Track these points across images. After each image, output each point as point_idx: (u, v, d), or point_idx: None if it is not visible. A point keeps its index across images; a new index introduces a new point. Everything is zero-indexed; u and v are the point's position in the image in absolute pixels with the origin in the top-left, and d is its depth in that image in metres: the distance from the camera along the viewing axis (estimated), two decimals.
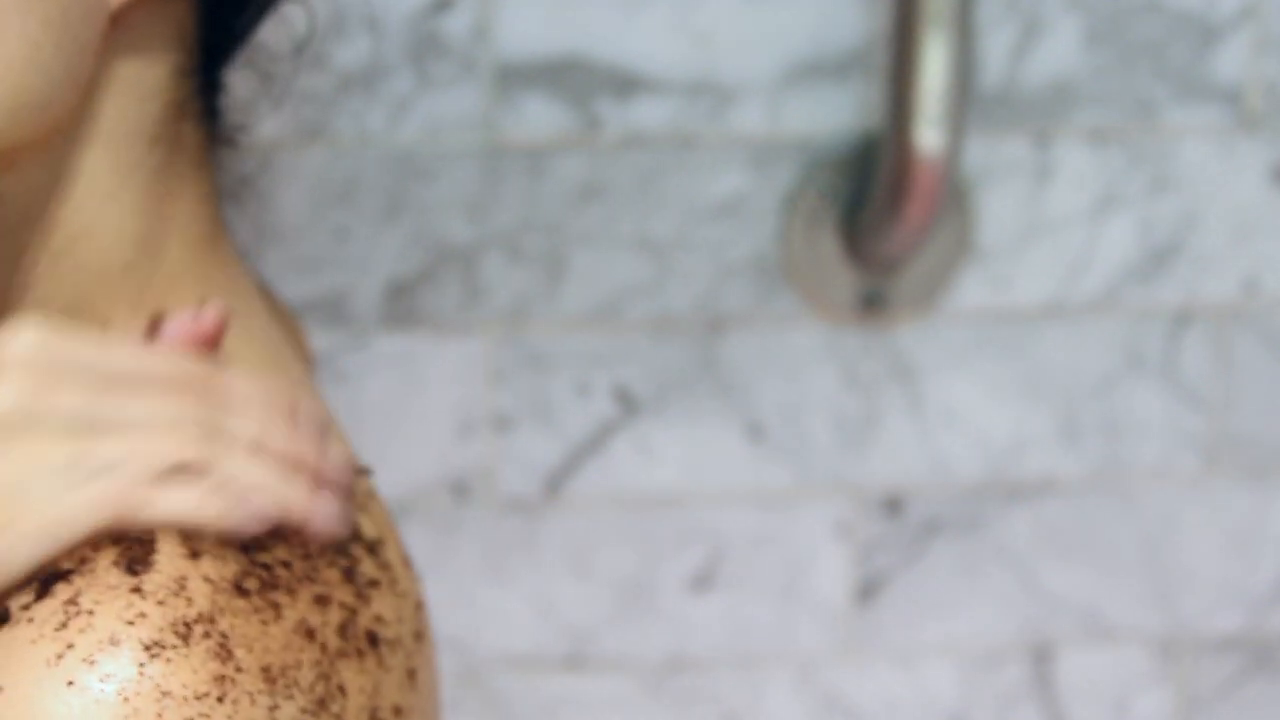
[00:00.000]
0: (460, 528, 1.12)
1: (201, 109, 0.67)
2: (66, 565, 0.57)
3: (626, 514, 1.14)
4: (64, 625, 0.55)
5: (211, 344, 0.62)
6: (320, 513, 0.61)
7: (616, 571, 1.14)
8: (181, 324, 0.62)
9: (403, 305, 1.08)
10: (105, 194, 0.64)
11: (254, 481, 0.60)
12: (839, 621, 1.17)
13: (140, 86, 0.64)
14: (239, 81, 0.73)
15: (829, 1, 1.07)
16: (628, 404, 1.12)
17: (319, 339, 1.07)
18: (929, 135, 1.02)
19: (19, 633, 0.55)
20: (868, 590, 1.17)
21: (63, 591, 0.56)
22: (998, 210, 1.12)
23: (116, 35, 0.63)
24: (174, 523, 0.58)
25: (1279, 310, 1.15)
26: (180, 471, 0.59)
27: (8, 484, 0.57)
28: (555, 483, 1.13)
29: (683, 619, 1.16)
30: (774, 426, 1.13)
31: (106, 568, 0.56)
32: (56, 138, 0.62)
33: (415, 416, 1.10)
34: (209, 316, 0.62)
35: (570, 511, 1.13)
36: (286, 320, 0.82)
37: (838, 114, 1.09)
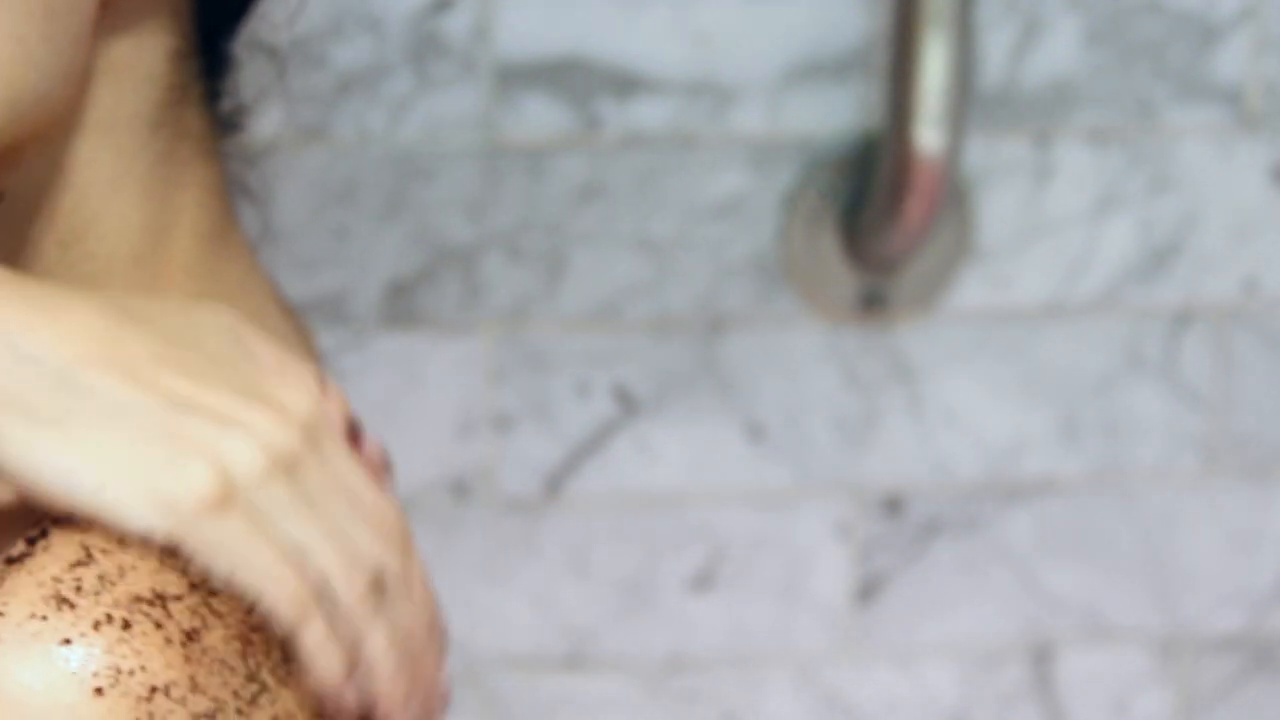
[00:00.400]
0: (460, 528, 1.12)
1: (203, 93, 0.67)
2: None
3: (626, 514, 1.14)
4: (59, 588, 0.54)
5: (379, 472, 0.64)
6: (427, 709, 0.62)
7: (616, 571, 1.14)
8: (373, 453, 0.64)
9: (402, 305, 1.09)
10: (108, 182, 0.64)
11: (382, 673, 0.60)
12: (839, 621, 1.17)
13: (136, 72, 0.63)
14: (241, 69, 0.72)
15: (829, 1, 1.07)
16: (628, 404, 1.12)
17: (319, 339, 1.07)
18: (929, 135, 1.02)
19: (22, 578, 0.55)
20: (868, 590, 1.17)
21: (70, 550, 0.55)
22: (998, 210, 1.12)
23: (109, 21, 0.62)
24: (296, 637, 0.58)
25: (1279, 310, 1.15)
26: (337, 606, 0.59)
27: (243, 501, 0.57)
28: (555, 482, 1.13)
29: (683, 619, 1.16)
30: (774, 426, 1.13)
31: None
32: (57, 130, 0.62)
33: (415, 416, 1.10)
34: (386, 463, 0.65)
35: (570, 511, 1.13)
36: (294, 318, 0.82)
37: (838, 114, 1.09)
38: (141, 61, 0.64)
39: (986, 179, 1.11)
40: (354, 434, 0.64)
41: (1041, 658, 1.19)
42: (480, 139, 1.06)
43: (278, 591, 0.57)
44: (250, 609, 0.57)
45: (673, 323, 1.11)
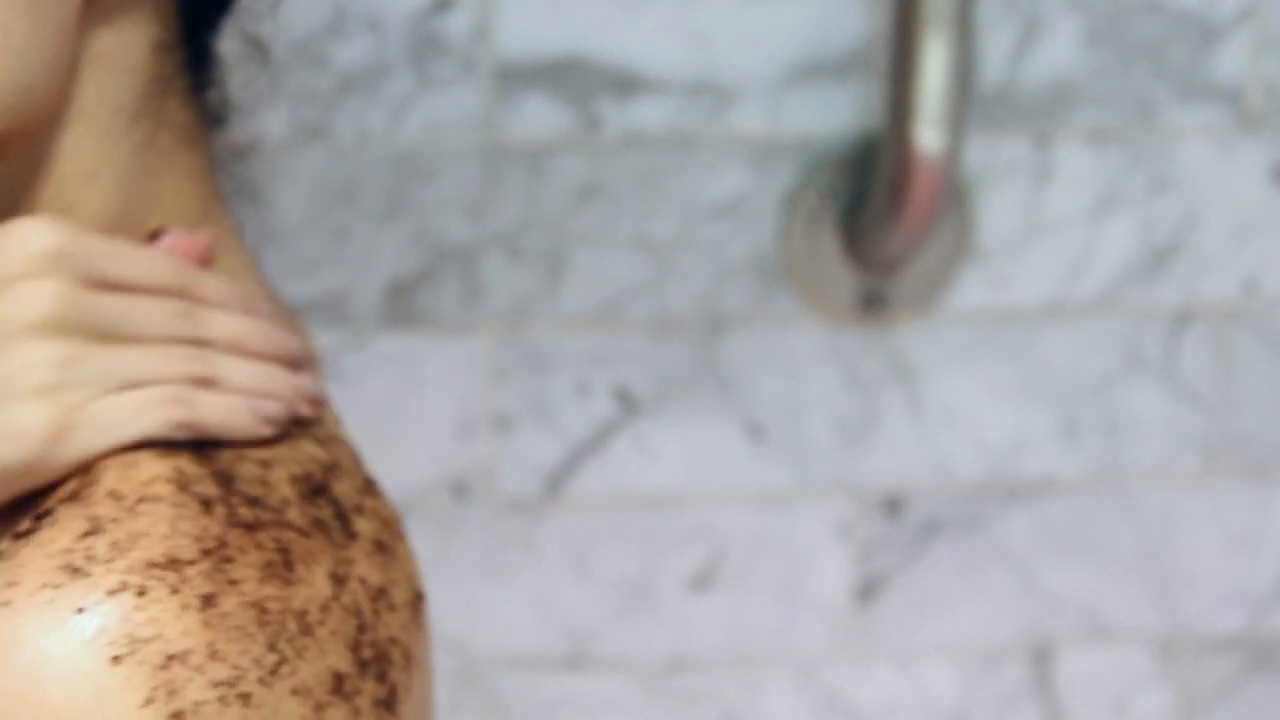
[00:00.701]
0: (460, 528, 1.12)
1: (188, 85, 0.67)
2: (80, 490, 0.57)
3: (626, 514, 1.14)
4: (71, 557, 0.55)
5: (202, 262, 0.65)
6: (305, 398, 0.64)
7: (616, 571, 1.14)
8: (179, 239, 0.64)
9: (403, 305, 1.08)
10: (86, 174, 0.64)
11: (259, 386, 0.62)
12: (839, 621, 1.17)
13: (119, 63, 0.64)
14: (227, 62, 0.72)
15: (829, 1, 1.07)
16: (628, 404, 1.12)
17: (319, 339, 1.07)
18: (929, 135, 1.02)
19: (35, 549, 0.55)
20: (868, 590, 1.17)
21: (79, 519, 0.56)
22: (998, 210, 1.12)
23: (93, 13, 0.62)
24: (219, 431, 0.60)
25: (1279, 310, 1.15)
26: (201, 382, 0.61)
27: (54, 383, 0.58)
28: (555, 483, 1.13)
29: (683, 619, 1.16)
30: (774, 426, 1.13)
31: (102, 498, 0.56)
32: (42, 122, 0.62)
33: (415, 416, 1.10)
34: (202, 238, 0.65)
35: (570, 511, 1.13)
36: (288, 315, 0.82)
37: (838, 114, 1.09)
38: (124, 53, 0.64)
39: (986, 179, 1.11)
40: (154, 236, 0.65)
41: (1041, 658, 1.19)
42: (480, 139, 1.06)
43: (152, 426, 0.59)
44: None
45: (673, 323, 1.11)
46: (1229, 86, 1.11)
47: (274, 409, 0.62)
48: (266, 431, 0.62)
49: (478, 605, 1.14)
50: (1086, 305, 1.14)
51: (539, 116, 1.06)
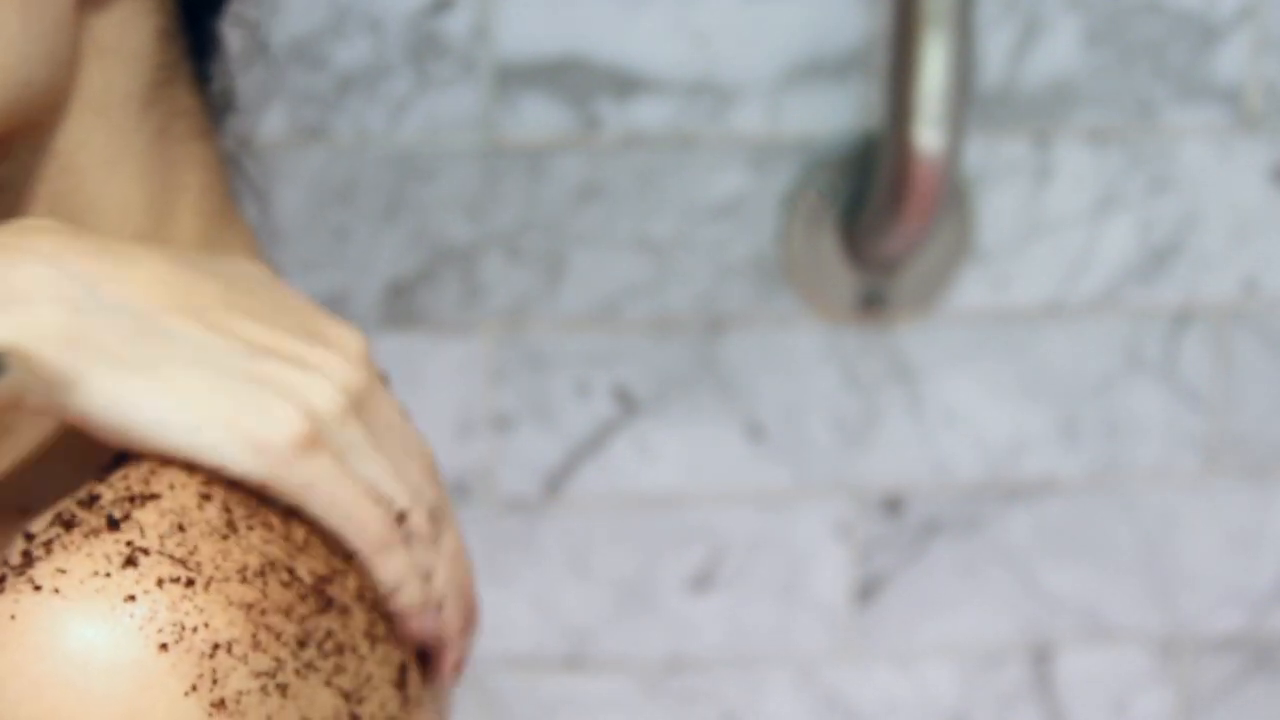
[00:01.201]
0: (460, 528, 1.12)
1: (192, 72, 0.67)
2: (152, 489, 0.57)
3: (626, 514, 1.14)
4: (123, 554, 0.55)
5: None
6: (462, 652, 0.65)
7: (616, 571, 1.14)
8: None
9: (402, 305, 1.09)
10: (106, 162, 0.64)
11: (447, 602, 0.64)
12: (839, 621, 1.17)
13: (123, 52, 0.63)
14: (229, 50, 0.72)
15: (829, 1, 1.07)
16: (627, 404, 1.12)
17: None
18: (929, 135, 1.02)
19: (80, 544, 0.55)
20: (867, 590, 1.17)
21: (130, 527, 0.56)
22: (997, 210, 1.12)
23: (93, 2, 0.62)
24: (380, 569, 0.60)
25: (1279, 310, 1.15)
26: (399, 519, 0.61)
27: (319, 420, 0.58)
28: (555, 483, 1.13)
29: (682, 619, 1.16)
30: (774, 426, 1.13)
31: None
32: (47, 115, 0.62)
33: (415, 416, 1.10)
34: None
35: (570, 511, 1.13)
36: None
37: (838, 114, 1.09)
38: (129, 41, 0.64)
39: (986, 179, 1.11)
40: (381, 377, 0.66)
41: (1041, 658, 1.19)
42: (480, 139, 1.06)
43: (363, 525, 0.59)
44: (334, 549, 0.58)
45: (673, 323, 1.11)
46: (1229, 86, 1.11)
47: (431, 623, 0.62)
48: (412, 623, 0.61)
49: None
50: (1086, 305, 1.14)
51: (538, 116, 1.06)
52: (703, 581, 1.15)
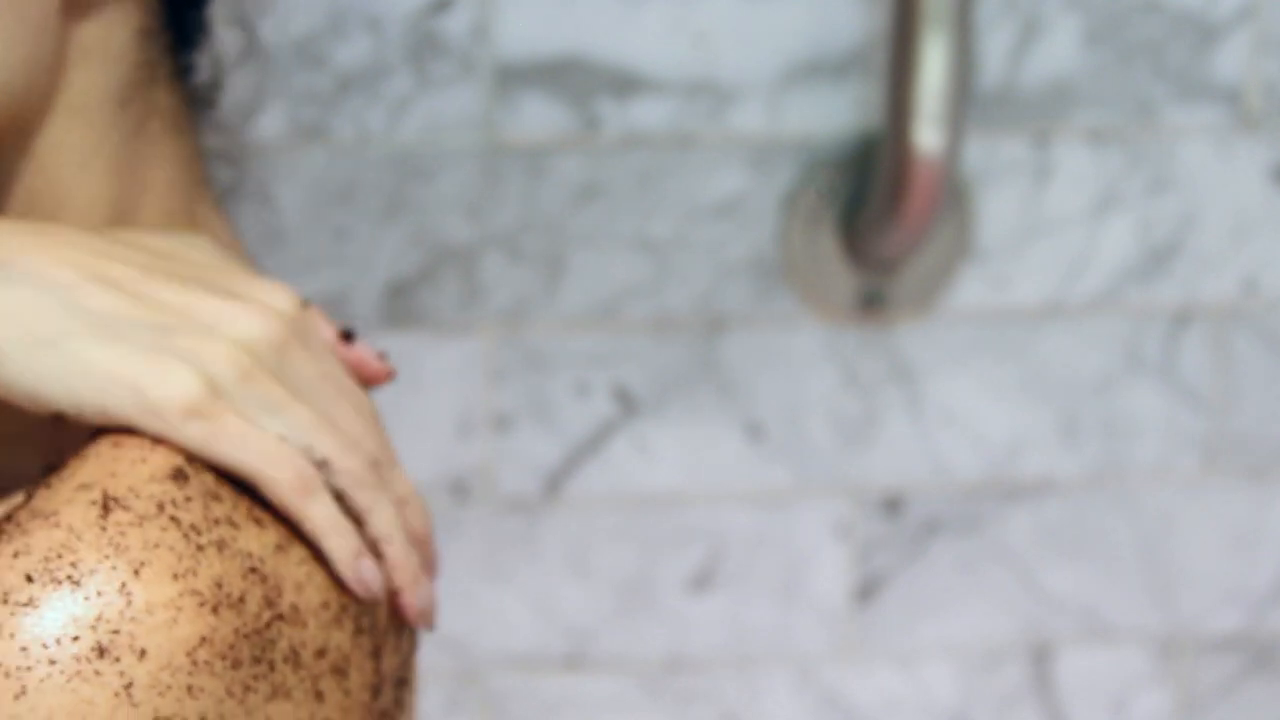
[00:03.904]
0: (460, 528, 1.12)
1: (173, 69, 0.67)
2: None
3: (626, 514, 1.14)
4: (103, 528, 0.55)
5: (373, 383, 0.66)
6: (420, 598, 0.64)
7: (616, 571, 1.14)
8: (367, 355, 0.66)
9: (402, 305, 1.09)
10: (78, 163, 0.64)
11: (391, 549, 0.63)
12: (838, 621, 1.17)
13: (103, 52, 0.63)
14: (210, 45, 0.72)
15: (829, 1, 1.07)
16: (627, 404, 1.12)
17: None
18: (929, 135, 1.02)
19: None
20: (867, 590, 1.17)
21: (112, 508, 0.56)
22: (997, 210, 1.12)
23: (74, 7, 0.62)
24: (312, 530, 0.60)
25: (1279, 310, 1.15)
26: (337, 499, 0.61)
27: (222, 383, 0.59)
28: (555, 482, 1.13)
29: (682, 619, 1.16)
30: (774, 426, 1.13)
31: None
32: (32, 117, 0.62)
33: (415, 416, 1.10)
34: (387, 368, 0.67)
35: (570, 511, 1.13)
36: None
37: (837, 114, 1.09)
38: (110, 41, 0.64)
39: (986, 179, 1.11)
40: (347, 335, 0.66)
41: (1041, 658, 1.19)
42: (480, 139, 1.07)
43: (278, 474, 0.59)
44: (255, 500, 0.58)
45: (672, 323, 1.11)
46: (1229, 86, 1.11)
47: (374, 578, 0.62)
48: (356, 588, 0.61)
49: (477, 605, 1.14)
50: (1086, 305, 1.14)
51: (538, 116, 1.06)
52: (702, 581, 1.15)
